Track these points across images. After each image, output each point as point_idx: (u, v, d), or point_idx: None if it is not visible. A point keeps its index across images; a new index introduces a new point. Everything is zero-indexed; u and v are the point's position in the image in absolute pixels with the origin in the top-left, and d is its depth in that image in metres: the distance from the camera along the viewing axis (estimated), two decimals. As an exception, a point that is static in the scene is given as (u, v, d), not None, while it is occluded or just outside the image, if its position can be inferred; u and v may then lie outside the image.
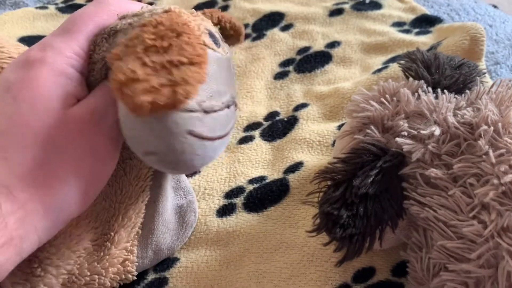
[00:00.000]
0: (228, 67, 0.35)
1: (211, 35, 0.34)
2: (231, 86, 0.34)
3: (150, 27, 0.31)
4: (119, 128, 0.32)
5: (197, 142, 0.31)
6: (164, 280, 0.41)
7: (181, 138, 0.30)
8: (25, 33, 0.66)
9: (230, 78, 0.35)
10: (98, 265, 0.38)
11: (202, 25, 0.34)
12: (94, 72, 0.35)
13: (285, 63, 0.58)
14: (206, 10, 0.41)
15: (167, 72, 0.30)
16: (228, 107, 0.33)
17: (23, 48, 0.42)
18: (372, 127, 0.34)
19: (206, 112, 0.31)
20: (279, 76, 0.56)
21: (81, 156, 0.32)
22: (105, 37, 0.34)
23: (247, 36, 0.62)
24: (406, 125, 0.33)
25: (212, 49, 0.33)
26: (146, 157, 0.32)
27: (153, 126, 0.30)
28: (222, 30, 0.41)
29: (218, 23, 0.41)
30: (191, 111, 0.30)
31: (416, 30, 0.58)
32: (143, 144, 0.31)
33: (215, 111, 0.31)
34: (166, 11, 0.33)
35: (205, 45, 0.32)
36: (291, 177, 0.45)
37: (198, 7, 0.67)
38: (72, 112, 0.32)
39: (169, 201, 0.42)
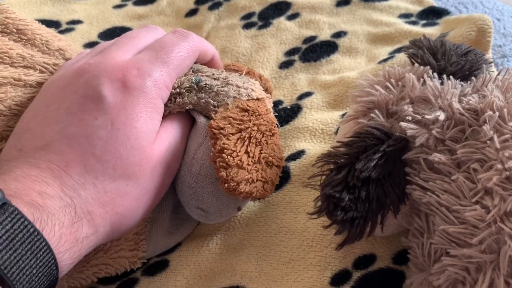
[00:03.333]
0: None
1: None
2: None
3: (253, 117, 0.36)
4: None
5: (236, 212, 0.40)
6: (165, 263, 0.41)
7: (232, 209, 0.38)
8: (32, 17, 0.66)
9: None
10: (105, 255, 0.38)
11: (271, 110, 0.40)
12: (168, 108, 0.37)
13: (291, 52, 0.57)
14: (250, 69, 0.45)
15: (262, 168, 0.35)
16: None
17: (47, 29, 0.43)
18: (377, 112, 0.34)
19: None
20: (284, 65, 0.56)
21: (148, 189, 0.34)
22: (195, 88, 0.37)
23: (253, 24, 0.62)
24: (410, 110, 0.32)
25: None
26: (195, 209, 0.37)
27: (219, 193, 0.36)
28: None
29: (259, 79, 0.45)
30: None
31: (423, 21, 0.58)
32: (201, 201, 0.37)
33: None
34: (258, 99, 0.38)
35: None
36: (292, 164, 0.45)
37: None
38: (154, 150, 0.34)
39: (176, 196, 0.42)
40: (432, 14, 0.59)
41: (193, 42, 0.39)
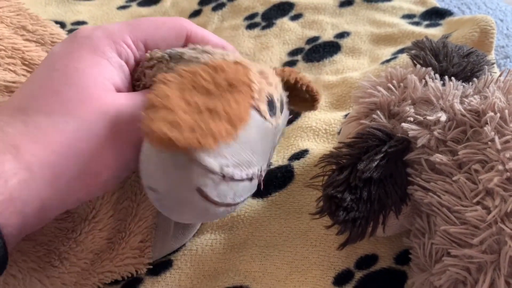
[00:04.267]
0: (270, 138, 0.33)
1: (270, 102, 0.32)
2: (264, 158, 0.32)
3: (211, 69, 0.30)
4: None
5: (200, 201, 0.29)
6: (169, 263, 0.42)
7: (187, 190, 0.28)
8: (37, 17, 0.66)
9: (267, 150, 0.33)
10: (111, 263, 0.39)
11: (264, 90, 0.32)
12: (141, 82, 0.34)
13: (294, 52, 0.58)
14: (287, 68, 0.39)
15: (200, 118, 0.28)
16: (250, 180, 0.31)
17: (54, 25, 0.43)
18: (379, 113, 0.34)
19: (224, 177, 0.28)
20: (288, 65, 0.56)
21: (98, 134, 0.30)
22: (166, 58, 0.33)
23: (256, 25, 0.62)
24: (412, 111, 0.33)
25: (263, 116, 0.31)
26: (147, 190, 0.30)
27: (164, 164, 0.28)
28: (297, 92, 0.39)
29: (294, 84, 0.38)
30: (209, 171, 0.28)
31: (426, 22, 0.58)
32: (148, 176, 0.29)
33: (234, 180, 0.29)
34: (236, 62, 0.32)
35: (258, 110, 0.31)
36: (295, 164, 0.45)
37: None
38: (107, 97, 0.31)
39: None
40: (435, 15, 0.59)
41: (176, 19, 0.36)
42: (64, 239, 0.37)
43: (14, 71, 0.38)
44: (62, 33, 0.43)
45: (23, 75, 0.39)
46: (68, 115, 0.29)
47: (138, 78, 0.34)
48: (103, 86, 0.31)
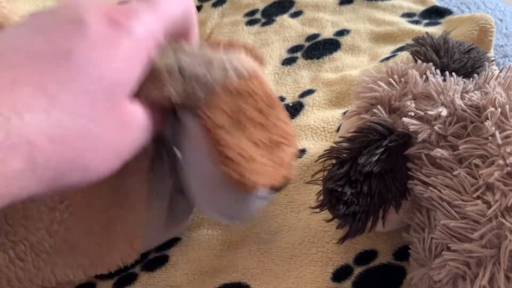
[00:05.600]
0: None
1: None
2: None
3: (249, 98, 0.31)
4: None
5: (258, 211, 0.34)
6: (165, 258, 0.41)
7: (253, 211, 0.32)
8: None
9: None
10: (103, 249, 0.38)
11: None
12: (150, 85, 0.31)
13: (294, 49, 0.58)
14: (230, 40, 0.38)
15: (270, 152, 0.30)
16: None
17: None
18: (379, 107, 0.34)
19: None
20: (287, 62, 0.56)
21: (117, 150, 0.28)
22: (176, 71, 0.31)
23: (256, 21, 0.62)
24: (413, 106, 0.33)
25: None
26: (219, 216, 0.34)
27: (238, 199, 0.31)
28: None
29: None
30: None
31: (426, 21, 0.58)
32: (222, 209, 0.32)
33: None
34: (251, 76, 0.31)
35: None
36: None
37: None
38: (129, 107, 0.28)
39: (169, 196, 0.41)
40: (434, 14, 0.59)
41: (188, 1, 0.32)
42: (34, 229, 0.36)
43: None
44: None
45: None
46: (92, 123, 0.26)
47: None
48: (128, 93, 0.28)
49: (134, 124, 0.28)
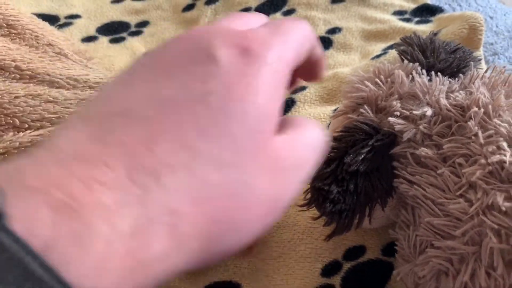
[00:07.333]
0: None
1: None
2: None
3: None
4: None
5: None
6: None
7: None
8: (30, 10, 0.66)
9: None
10: None
11: None
12: None
13: (286, 48, 0.58)
14: None
15: None
16: None
17: (42, 23, 0.43)
18: (366, 107, 0.34)
19: None
20: (279, 60, 0.57)
21: (266, 199, 0.22)
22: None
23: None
24: (399, 105, 0.33)
25: None
26: None
27: None
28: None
29: None
30: None
31: (417, 19, 0.59)
32: None
33: None
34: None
35: None
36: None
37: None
38: (275, 143, 0.23)
39: None
40: (426, 12, 0.59)
41: (308, 29, 0.27)
42: None
43: None
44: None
45: None
46: (237, 171, 0.22)
47: None
48: (273, 127, 0.24)
49: (287, 162, 0.23)
